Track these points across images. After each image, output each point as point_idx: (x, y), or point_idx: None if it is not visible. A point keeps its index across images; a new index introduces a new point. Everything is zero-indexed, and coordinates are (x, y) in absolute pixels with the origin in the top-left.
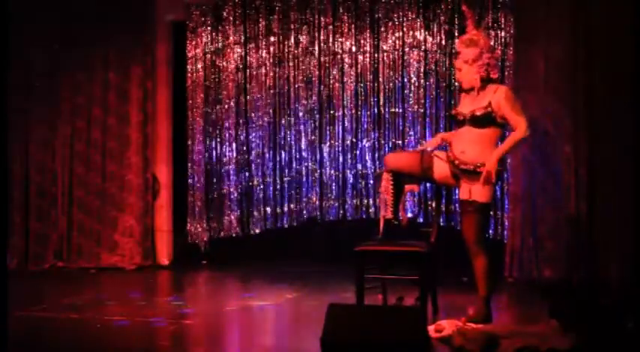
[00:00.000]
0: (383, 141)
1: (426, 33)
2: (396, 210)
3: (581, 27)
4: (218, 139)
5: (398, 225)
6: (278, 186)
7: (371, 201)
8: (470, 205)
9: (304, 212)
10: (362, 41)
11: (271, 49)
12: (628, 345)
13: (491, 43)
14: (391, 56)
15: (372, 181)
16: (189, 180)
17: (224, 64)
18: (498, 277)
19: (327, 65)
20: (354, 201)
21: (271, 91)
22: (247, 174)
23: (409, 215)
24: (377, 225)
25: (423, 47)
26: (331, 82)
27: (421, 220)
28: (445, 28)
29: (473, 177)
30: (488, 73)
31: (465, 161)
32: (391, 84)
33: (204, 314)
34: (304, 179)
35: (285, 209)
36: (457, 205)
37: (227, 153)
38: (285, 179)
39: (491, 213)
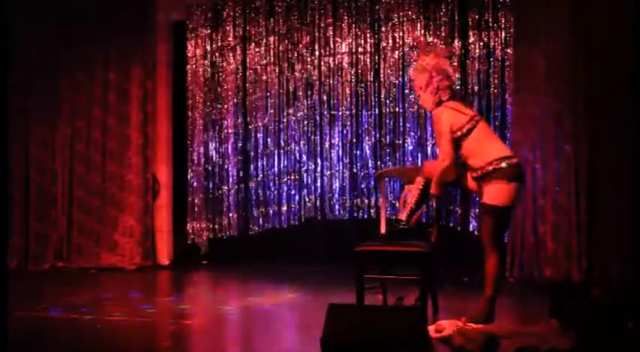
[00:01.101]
0: (383, 141)
1: (426, 33)
2: (411, 215)
3: (581, 27)
4: (218, 139)
5: (406, 227)
6: (278, 186)
7: (372, 201)
8: (482, 207)
9: (304, 212)
10: (362, 41)
11: (271, 49)
12: (628, 345)
13: (445, 64)
14: (391, 56)
15: (372, 181)
16: (189, 180)
17: (224, 64)
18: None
19: (327, 65)
20: (355, 201)
21: (271, 91)
22: (247, 174)
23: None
24: (378, 224)
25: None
26: (331, 81)
27: (422, 220)
28: (445, 28)
29: (485, 181)
30: (439, 96)
31: (473, 169)
32: (391, 84)
33: (204, 314)
34: (304, 179)
35: (285, 209)
36: (458, 206)
37: (227, 153)
38: (285, 179)
39: None
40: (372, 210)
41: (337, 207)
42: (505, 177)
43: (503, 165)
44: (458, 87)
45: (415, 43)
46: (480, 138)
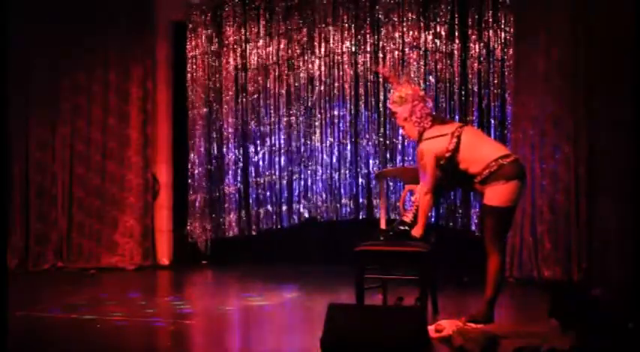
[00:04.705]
0: (383, 141)
1: (426, 33)
2: (416, 216)
3: (581, 27)
4: (218, 139)
5: (408, 229)
6: (278, 186)
7: (373, 201)
8: (483, 208)
9: (304, 212)
10: (362, 41)
11: (271, 49)
12: (628, 345)
13: (420, 90)
14: (391, 56)
15: (373, 181)
16: (189, 180)
17: (224, 64)
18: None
19: (327, 65)
20: (355, 200)
21: (271, 91)
22: (247, 174)
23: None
24: (378, 224)
25: (423, 47)
26: (331, 81)
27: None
28: (445, 27)
29: (487, 184)
30: (422, 125)
31: (474, 175)
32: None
33: (204, 314)
34: (304, 179)
35: (285, 209)
36: (459, 206)
37: (227, 153)
38: (286, 179)
39: None
40: (372, 210)
41: (337, 207)
42: (502, 177)
43: (499, 165)
44: (457, 89)
45: (383, 76)
46: (470, 146)
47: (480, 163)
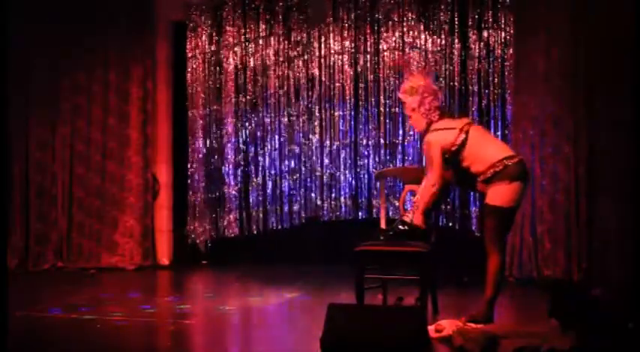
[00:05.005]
0: (382, 141)
1: (426, 33)
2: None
3: (581, 27)
4: (218, 139)
5: (407, 230)
6: (278, 186)
7: (374, 201)
8: (485, 208)
9: (304, 212)
10: (362, 41)
11: (271, 48)
12: (628, 345)
13: (432, 84)
14: (391, 56)
15: (372, 181)
16: (189, 180)
17: (224, 64)
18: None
19: (327, 65)
20: (354, 200)
21: (271, 91)
22: (247, 174)
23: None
24: (378, 224)
25: (423, 47)
26: (331, 81)
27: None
28: (445, 27)
29: (490, 183)
30: (430, 118)
31: (477, 175)
32: (391, 84)
33: (204, 314)
34: (304, 179)
35: (285, 209)
36: (457, 206)
37: (227, 153)
38: (286, 179)
39: None
40: (372, 210)
41: (337, 206)
42: (507, 177)
43: (504, 165)
44: (457, 89)
45: (400, 64)
46: (476, 144)
47: (484, 162)
